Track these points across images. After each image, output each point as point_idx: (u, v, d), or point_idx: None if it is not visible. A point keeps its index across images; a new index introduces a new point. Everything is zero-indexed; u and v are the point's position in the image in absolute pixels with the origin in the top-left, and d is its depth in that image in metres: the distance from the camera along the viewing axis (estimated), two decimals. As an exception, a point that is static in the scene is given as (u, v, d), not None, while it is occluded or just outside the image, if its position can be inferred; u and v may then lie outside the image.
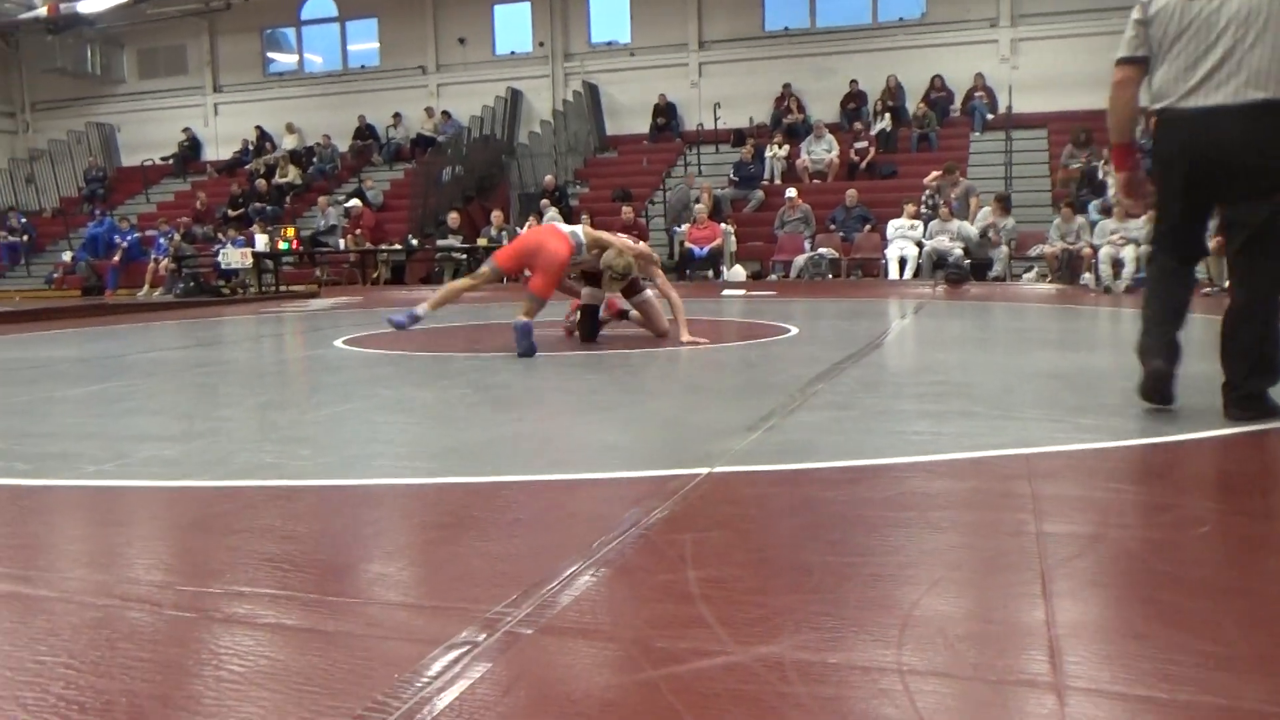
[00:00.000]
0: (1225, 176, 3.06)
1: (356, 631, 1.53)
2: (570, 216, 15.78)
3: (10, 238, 19.46)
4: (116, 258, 17.19)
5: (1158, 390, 3.24)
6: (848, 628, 1.51)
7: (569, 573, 1.76)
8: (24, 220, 19.82)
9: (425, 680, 1.34)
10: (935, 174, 14.17)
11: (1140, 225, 11.68)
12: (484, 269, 6.03)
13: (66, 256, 18.31)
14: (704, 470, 2.53)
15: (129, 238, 17.46)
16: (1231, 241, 3.16)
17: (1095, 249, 11.82)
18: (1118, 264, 11.50)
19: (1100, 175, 14.08)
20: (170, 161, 21.76)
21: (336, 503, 2.42)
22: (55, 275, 18.01)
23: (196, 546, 2.04)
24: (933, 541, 1.96)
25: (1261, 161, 3.00)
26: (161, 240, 16.85)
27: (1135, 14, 3.23)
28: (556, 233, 5.78)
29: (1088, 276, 11.84)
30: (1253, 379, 3.11)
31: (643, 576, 1.77)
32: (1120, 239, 11.68)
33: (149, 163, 21.62)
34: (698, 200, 14.66)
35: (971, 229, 13.04)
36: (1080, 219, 12.48)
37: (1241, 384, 3.13)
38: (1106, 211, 12.51)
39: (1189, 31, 3.06)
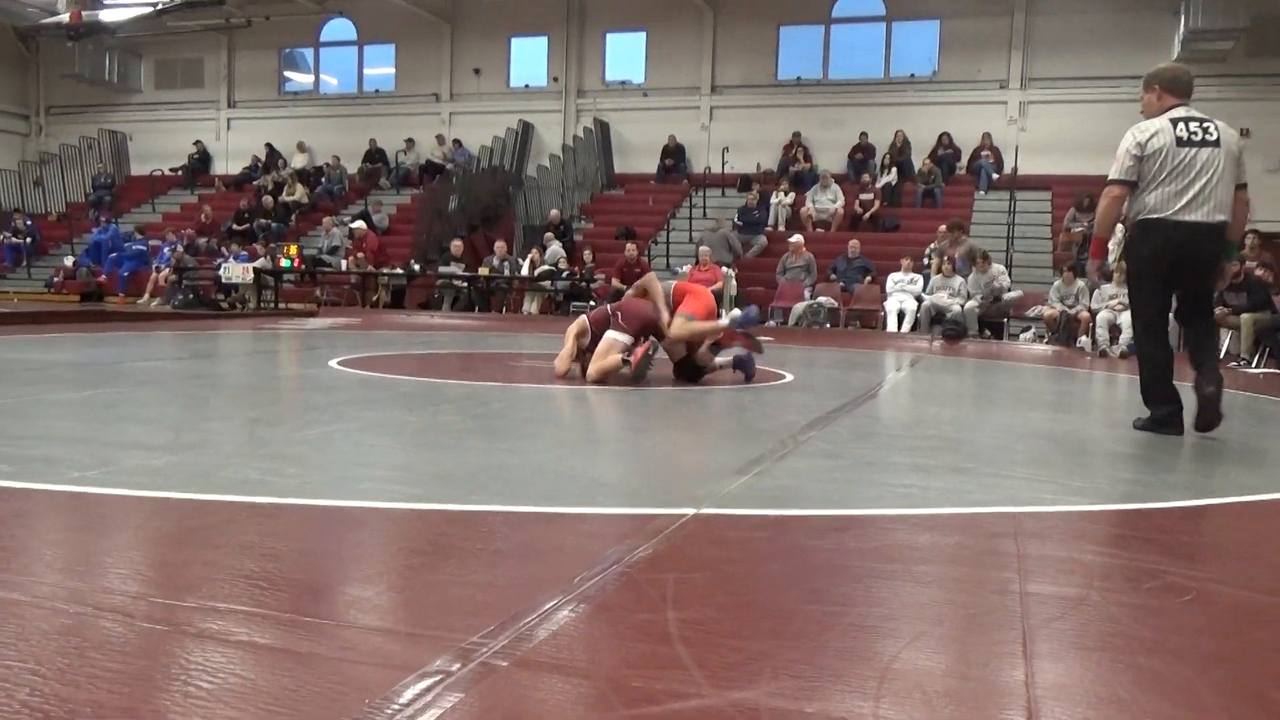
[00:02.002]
0: (1194, 266, 4.37)
1: (329, 654, 1.52)
2: (573, 252, 15.86)
3: (14, 239, 19.50)
4: (122, 266, 17.25)
5: (1169, 424, 4.38)
6: (826, 677, 1.49)
7: (548, 606, 1.74)
8: (29, 223, 19.88)
9: (396, 707, 1.32)
10: (942, 228, 14.30)
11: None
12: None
13: (68, 261, 18.35)
14: (690, 511, 2.52)
15: (140, 247, 17.50)
16: (1189, 305, 4.55)
17: (1093, 313, 11.87)
18: (1115, 328, 11.54)
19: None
20: (179, 173, 21.88)
21: (319, 523, 2.40)
22: (56, 279, 18.03)
23: (174, 559, 2.03)
24: (916, 595, 1.95)
25: (1216, 259, 4.38)
26: (165, 250, 16.90)
27: (1134, 150, 4.31)
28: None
29: (1084, 340, 11.87)
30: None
31: (622, 614, 1.75)
32: (1119, 304, 11.72)
33: (158, 173, 21.75)
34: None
35: (964, 284, 13.12)
36: (1081, 282, 12.55)
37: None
38: (1107, 276, 12.58)
39: (1177, 169, 4.25)
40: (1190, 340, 4.62)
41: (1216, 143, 4.28)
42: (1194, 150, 4.25)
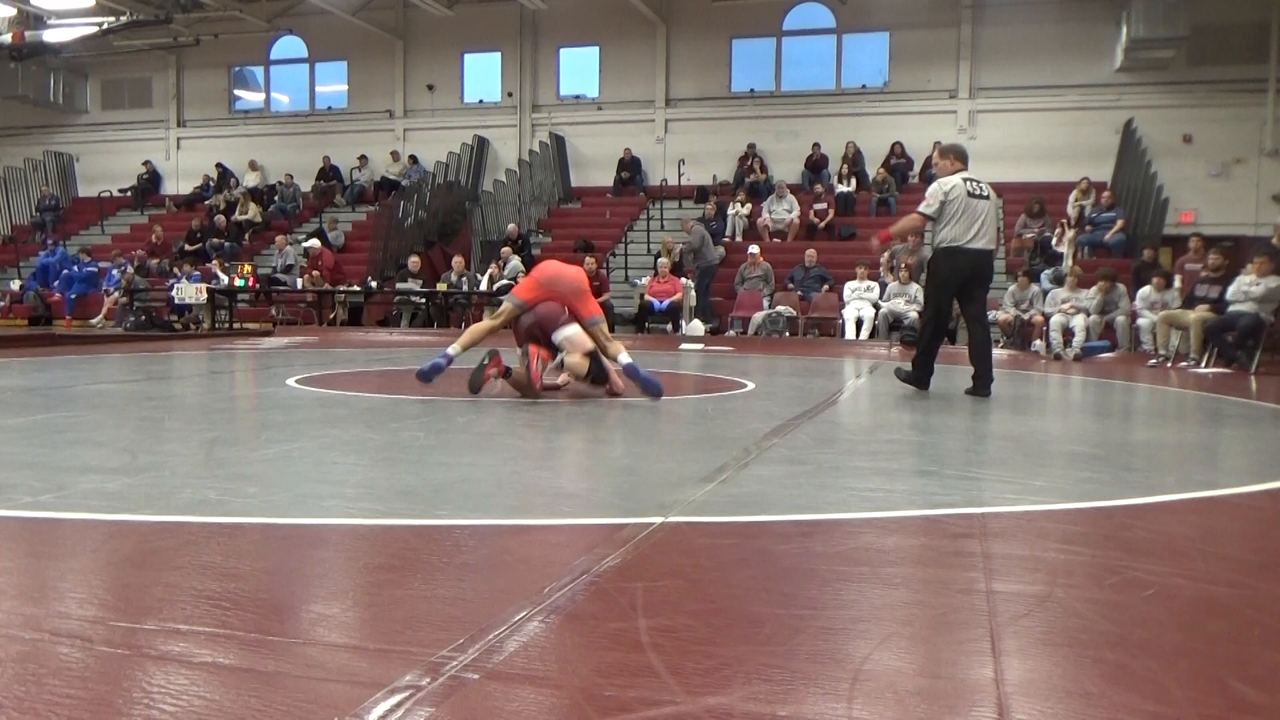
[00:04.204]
0: (977, 279, 6.41)
1: (295, 673, 1.49)
2: (532, 266, 15.82)
3: (-42, 264, 19.07)
4: (70, 288, 16.93)
5: (921, 383, 6.51)
6: (798, 680, 1.49)
7: (517, 618, 1.73)
8: (-28, 247, 19.46)
9: (365, 724, 1.30)
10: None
11: (1091, 295, 11.97)
12: (505, 305, 5.71)
13: (15, 285, 17.97)
14: (658, 520, 2.51)
15: (86, 269, 17.18)
16: (974, 306, 6.47)
17: (1046, 317, 12.06)
18: (1068, 332, 11.73)
19: (1054, 245, 14.43)
20: (128, 194, 21.53)
21: (281, 542, 2.37)
22: (2, 303, 17.66)
23: (133, 582, 1.98)
24: (884, 597, 1.96)
25: (990, 274, 6.54)
26: (114, 272, 16.61)
27: (940, 195, 6.22)
28: (567, 264, 5.98)
29: (1039, 343, 12.06)
30: (990, 373, 6.30)
31: (593, 624, 1.74)
32: (1071, 308, 11.93)
33: (106, 194, 21.39)
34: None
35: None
36: (1034, 287, 12.75)
37: (987, 375, 6.25)
38: (1059, 281, 12.80)
39: (968, 212, 6.18)
40: (973, 345, 6.42)
41: (988, 197, 6.31)
42: (977, 201, 6.21)
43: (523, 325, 5.58)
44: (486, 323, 5.71)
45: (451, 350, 5.61)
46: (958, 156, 6.50)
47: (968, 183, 6.25)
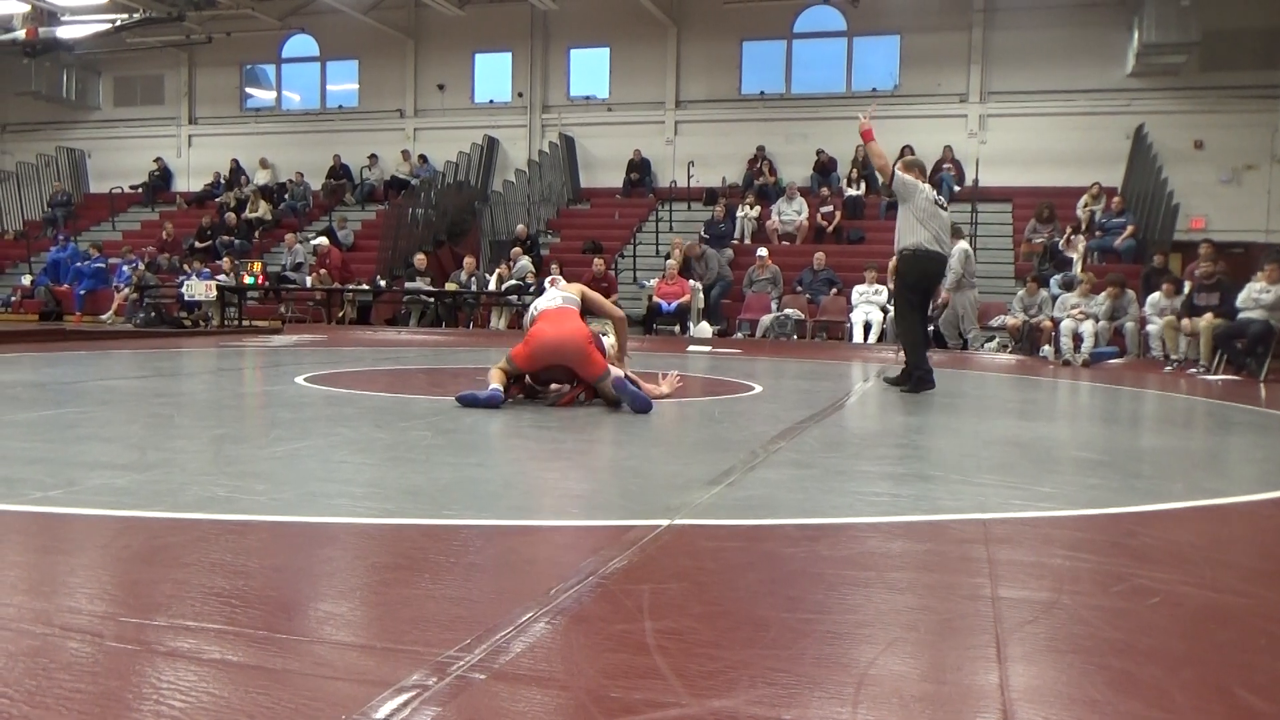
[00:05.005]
0: (934, 279, 7.23)
1: (304, 670, 1.50)
2: (540, 266, 15.84)
3: (-30, 259, 19.16)
4: (80, 284, 17.01)
5: (930, 383, 6.78)
6: (803, 684, 1.50)
7: (524, 619, 1.74)
8: (-15, 242, 19.55)
9: (372, 722, 1.31)
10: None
11: (1100, 301, 11.94)
12: (504, 364, 5.26)
13: (26, 280, 18.05)
14: (664, 522, 2.52)
15: (96, 265, 17.26)
16: (927, 305, 7.49)
17: (1056, 322, 12.02)
18: (1077, 337, 11.70)
19: (1063, 250, 14.40)
20: (139, 190, 21.62)
21: (290, 540, 2.38)
22: (13, 298, 17.74)
23: (143, 578, 1.99)
24: (890, 602, 1.96)
25: (941, 276, 7.49)
26: (124, 268, 16.67)
27: (914, 185, 6.84)
28: (562, 317, 5.30)
29: (1047, 349, 12.02)
30: (927, 366, 6.91)
31: (599, 625, 1.75)
32: (1080, 313, 11.90)
33: (118, 190, 21.47)
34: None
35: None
36: (1043, 292, 12.71)
37: (922, 367, 6.81)
38: (1068, 286, 12.76)
39: (935, 219, 6.88)
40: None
41: (946, 209, 7.13)
42: (938, 210, 6.96)
43: (524, 383, 5.41)
44: (497, 368, 5.29)
45: (497, 386, 5.18)
46: (921, 170, 7.23)
47: (931, 191, 7.00)
